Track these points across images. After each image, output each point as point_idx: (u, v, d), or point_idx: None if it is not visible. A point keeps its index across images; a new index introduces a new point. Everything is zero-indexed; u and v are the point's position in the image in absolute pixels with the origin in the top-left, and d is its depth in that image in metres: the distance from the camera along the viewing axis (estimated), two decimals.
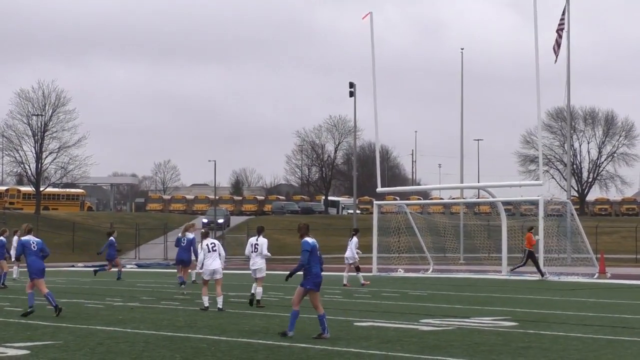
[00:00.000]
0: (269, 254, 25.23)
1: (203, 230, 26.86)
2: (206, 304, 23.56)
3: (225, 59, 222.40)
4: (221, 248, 24.74)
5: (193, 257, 31.42)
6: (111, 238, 39.49)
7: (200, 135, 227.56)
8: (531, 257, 41.32)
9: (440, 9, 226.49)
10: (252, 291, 25.04)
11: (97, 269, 40.54)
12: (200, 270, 24.81)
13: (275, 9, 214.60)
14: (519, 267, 42.63)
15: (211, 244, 24.73)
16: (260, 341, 16.47)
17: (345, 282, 34.78)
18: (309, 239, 17.74)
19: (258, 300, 24.66)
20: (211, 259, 24.50)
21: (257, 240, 24.97)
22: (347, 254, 35.89)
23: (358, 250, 36.10)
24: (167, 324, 19.66)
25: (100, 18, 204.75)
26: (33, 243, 22.23)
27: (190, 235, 32.76)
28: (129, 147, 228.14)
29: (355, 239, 36.28)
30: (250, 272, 25.40)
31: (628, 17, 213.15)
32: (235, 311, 23.59)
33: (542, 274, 40.23)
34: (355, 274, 35.57)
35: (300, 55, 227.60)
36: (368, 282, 35.52)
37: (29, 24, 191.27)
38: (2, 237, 34.89)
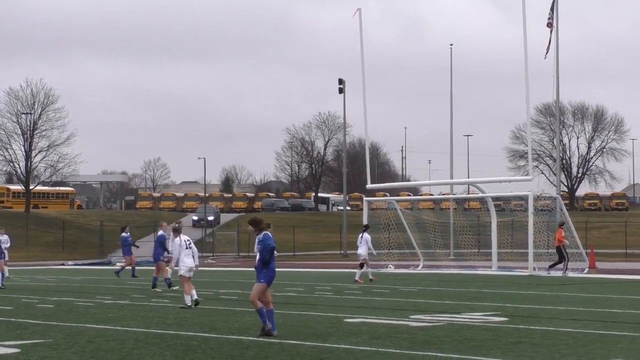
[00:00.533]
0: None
1: (175, 225, 26.64)
2: (189, 302, 23.49)
3: (213, 57, 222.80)
4: (194, 246, 24.76)
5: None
6: (124, 234, 39.67)
7: (189, 133, 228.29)
8: (558, 252, 41.36)
9: (421, 6, 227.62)
10: None
11: (118, 269, 40.39)
12: (176, 268, 24.84)
13: (261, 7, 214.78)
14: (557, 264, 41.89)
15: (187, 240, 24.76)
16: (250, 338, 16.44)
17: (357, 277, 34.94)
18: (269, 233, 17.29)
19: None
20: (189, 256, 24.62)
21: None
22: (361, 250, 35.91)
23: (370, 247, 36.21)
24: (157, 321, 19.65)
25: (87, 17, 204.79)
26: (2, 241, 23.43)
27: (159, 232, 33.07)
28: (118, 145, 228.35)
29: (366, 234, 36.27)
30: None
31: (612, 13, 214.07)
32: (225, 308, 23.60)
33: (564, 271, 40.28)
34: (365, 269, 35.53)
35: (286, 53, 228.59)
36: (375, 278, 35.68)
37: (17, 23, 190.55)
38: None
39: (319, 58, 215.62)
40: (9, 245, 35.18)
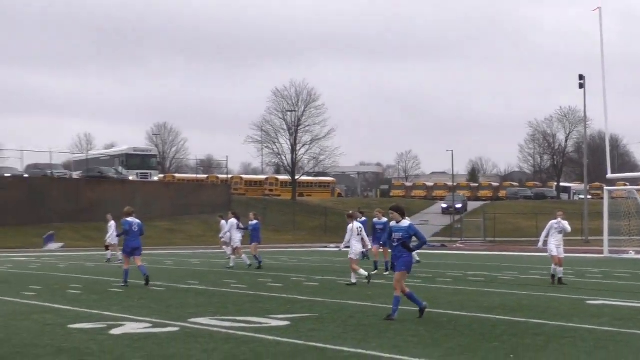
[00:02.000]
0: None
1: (350, 212, 27.25)
2: (354, 280, 24.54)
3: (442, 56, 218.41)
4: (364, 233, 25.72)
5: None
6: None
7: (433, 127, 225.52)
8: None
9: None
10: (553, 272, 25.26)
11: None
12: (346, 249, 26.15)
13: (481, 4, 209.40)
14: None
15: (358, 227, 25.51)
16: (498, 317, 16.53)
17: None
18: None
19: (560, 279, 24.93)
20: (359, 241, 25.32)
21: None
22: None
23: None
24: (406, 300, 19.98)
25: (319, 23, 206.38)
26: (134, 225, 24.61)
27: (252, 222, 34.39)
28: (371, 139, 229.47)
29: None
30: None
31: None
32: (473, 289, 23.63)
33: None
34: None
35: (508, 51, 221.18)
36: None
37: (259, 31, 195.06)
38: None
39: (540, 54, 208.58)
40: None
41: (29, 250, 55.89)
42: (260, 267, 33.19)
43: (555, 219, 25.60)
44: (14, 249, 56.57)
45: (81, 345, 12.91)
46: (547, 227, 25.84)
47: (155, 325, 15.29)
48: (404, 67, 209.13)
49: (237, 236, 34.78)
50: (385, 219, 28.42)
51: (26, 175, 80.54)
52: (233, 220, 35.07)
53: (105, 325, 15.15)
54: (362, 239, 25.68)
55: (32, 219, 67.60)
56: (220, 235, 37.96)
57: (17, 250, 55.96)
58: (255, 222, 35.19)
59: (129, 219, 25.25)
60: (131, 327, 14.95)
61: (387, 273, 28.05)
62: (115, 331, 14.42)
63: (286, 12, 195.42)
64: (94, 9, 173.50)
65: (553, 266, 25.18)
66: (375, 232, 30.22)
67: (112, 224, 38.70)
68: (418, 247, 16.79)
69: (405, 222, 16.14)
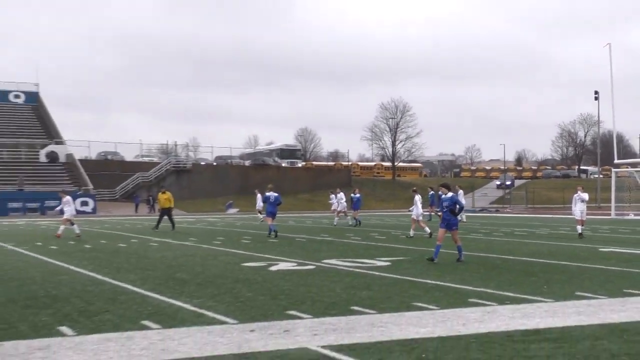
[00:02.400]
0: None
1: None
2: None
3: (497, 77, 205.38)
4: None
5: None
6: None
7: (491, 128, 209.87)
8: None
9: None
10: None
11: None
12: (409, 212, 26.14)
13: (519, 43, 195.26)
14: None
15: (418, 198, 25.74)
16: (535, 259, 16.22)
17: None
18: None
19: (580, 234, 24.52)
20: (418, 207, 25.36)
21: None
22: None
23: None
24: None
25: (410, 53, 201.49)
26: (271, 197, 25.67)
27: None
28: (447, 136, 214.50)
29: None
30: None
31: None
32: (517, 240, 22.92)
33: None
34: None
35: None
36: None
37: (365, 59, 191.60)
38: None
39: (567, 75, 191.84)
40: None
41: (216, 213, 57.16)
42: (360, 225, 33.34)
43: (576, 192, 25.40)
44: (206, 213, 58.18)
45: (250, 277, 13.36)
46: (573, 198, 25.66)
47: (299, 264, 15.60)
48: (473, 86, 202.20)
49: (343, 204, 35.45)
50: (450, 194, 28.29)
51: (214, 163, 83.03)
52: (341, 195, 35.78)
53: (266, 264, 15.57)
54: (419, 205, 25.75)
55: (218, 192, 69.49)
56: (333, 207, 37.29)
57: (208, 213, 57.41)
58: (358, 195, 35.50)
59: (269, 193, 26.43)
60: (283, 265, 15.30)
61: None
62: (272, 268, 14.80)
63: (385, 46, 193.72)
64: (261, 49, 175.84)
65: (578, 226, 24.93)
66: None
67: (258, 196, 39.25)
68: (460, 211, 16.77)
69: (450, 194, 16.22)
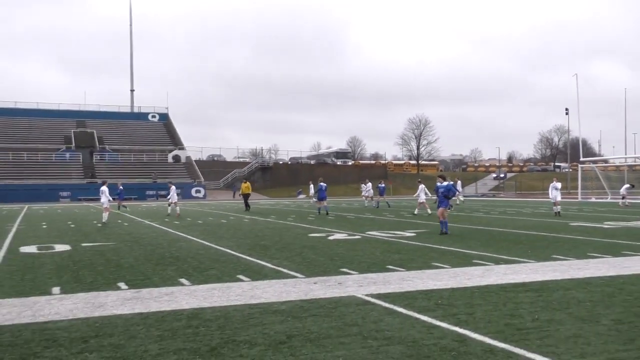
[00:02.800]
0: None
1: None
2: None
3: (491, 99, 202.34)
4: None
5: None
6: None
7: (492, 137, 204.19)
8: None
9: None
10: None
11: None
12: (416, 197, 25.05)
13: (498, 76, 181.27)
14: None
15: (422, 187, 24.99)
16: (521, 231, 15.73)
17: None
18: (438, 183, 16.02)
19: (558, 212, 23.61)
20: (424, 193, 24.83)
21: None
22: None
23: None
24: None
25: (429, 80, 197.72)
26: (323, 187, 25.32)
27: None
28: (456, 141, 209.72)
29: None
30: None
31: None
32: (509, 217, 22.30)
33: None
34: None
35: None
36: None
37: (394, 85, 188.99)
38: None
39: (544, 97, 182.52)
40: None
41: (290, 198, 57.46)
42: (389, 207, 32.52)
43: (553, 182, 24.84)
44: (282, 197, 58.62)
45: (314, 244, 13.28)
46: (550, 186, 25.08)
47: (350, 234, 15.48)
48: (476, 105, 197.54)
49: (369, 190, 33.69)
50: (445, 183, 27.34)
51: (289, 162, 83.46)
52: (369, 184, 34.20)
53: (325, 235, 15.50)
54: (426, 193, 25.28)
55: (291, 183, 69.82)
56: (363, 193, 35.56)
57: (284, 198, 57.87)
58: (382, 185, 34.01)
59: (320, 183, 26.53)
60: (338, 236, 15.17)
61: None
62: (330, 237, 14.72)
63: (411, 77, 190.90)
64: (321, 80, 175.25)
65: (554, 207, 24.19)
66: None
67: (311, 186, 39.03)
68: (452, 196, 16.36)
69: (445, 183, 15.89)
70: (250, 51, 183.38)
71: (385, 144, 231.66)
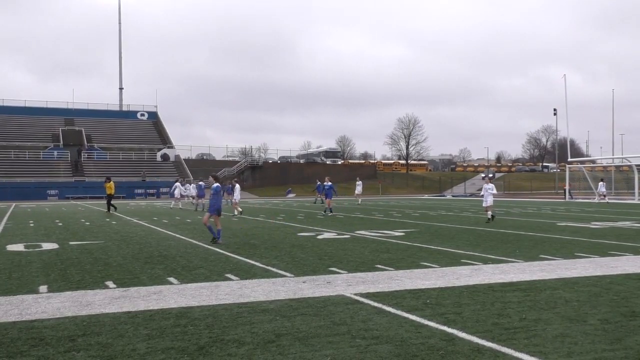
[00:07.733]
0: None
1: None
2: None
3: (471, 100, 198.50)
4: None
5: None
6: None
7: (476, 138, 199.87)
8: None
9: None
10: None
11: None
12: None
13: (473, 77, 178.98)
14: None
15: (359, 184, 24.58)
16: (510, 231, 15.78)
17: None
18: (214, 184, 13.19)
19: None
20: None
21: None
22: None
23: None
24: None
25: (419, 84, 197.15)
26: (327, 185, 25.23)
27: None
28: (445, 141, 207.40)
29: None
30: None
31: None
32: (498, 217, 22.39)
33: None
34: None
35: None
36: None
37: (385, 87, 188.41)
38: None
39: (531, 98, 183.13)
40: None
41: (279, 197, 57.26)
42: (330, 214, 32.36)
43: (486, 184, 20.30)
44: (271, 197, 58.43)
45: (303, 243, 13.27)
46: (484, 189, 19.75)
47: (339, 234, 15.45)
48: (461, 107, 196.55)
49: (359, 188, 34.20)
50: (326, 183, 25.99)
51: (279, 161, 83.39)
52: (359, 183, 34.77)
53: (314, 234, 15.48)
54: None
55: (280, 182, 69.78)
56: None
57: (273, 197, 57.67)
58: (329, 184, 25.67)
59: (323, 183, 26.42)
60: (327, 235, 15.17)
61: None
62: (319, 237, 14.70)
63: (397, 77, 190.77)
64: (324, 83, 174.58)
65: (486, 213, 19.95)
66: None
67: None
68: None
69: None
70: (214, 56, 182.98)
71: (374, 144, 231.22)
